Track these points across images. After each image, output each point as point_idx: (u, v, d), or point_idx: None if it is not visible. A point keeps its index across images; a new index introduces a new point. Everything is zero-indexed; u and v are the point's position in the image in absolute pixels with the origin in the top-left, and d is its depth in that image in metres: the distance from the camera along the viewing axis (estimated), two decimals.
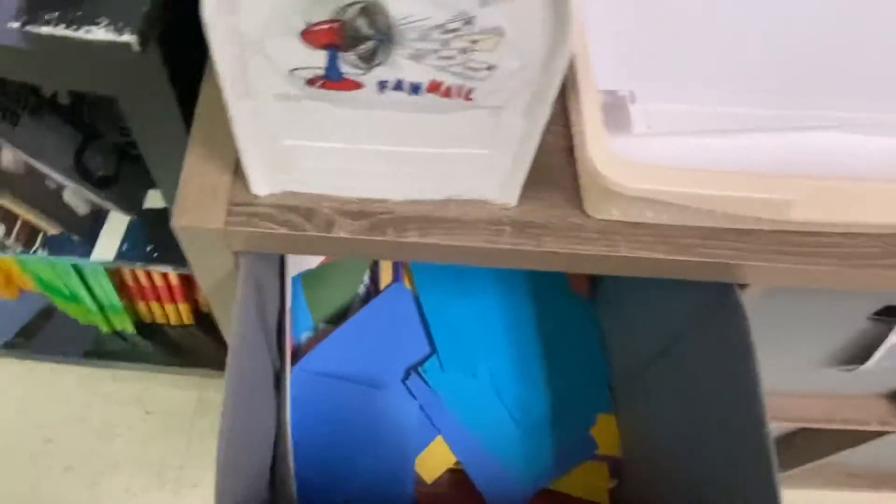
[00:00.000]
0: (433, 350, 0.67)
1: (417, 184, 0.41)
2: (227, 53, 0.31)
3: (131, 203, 0.77)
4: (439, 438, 0.64)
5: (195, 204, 0.41)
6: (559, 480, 0.65)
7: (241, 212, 0.41)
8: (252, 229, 0.41)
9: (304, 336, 0.68)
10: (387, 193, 0.42)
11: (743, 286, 0.48)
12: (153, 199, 0.78)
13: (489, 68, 0.33)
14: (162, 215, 0.77)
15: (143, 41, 0.38)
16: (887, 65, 0.46)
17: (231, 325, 0.42)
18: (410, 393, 0.64)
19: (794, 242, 0.44)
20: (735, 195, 0.36)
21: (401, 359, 0.66)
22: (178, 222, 0.40)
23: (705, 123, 0.45)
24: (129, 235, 0.77)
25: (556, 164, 0.45)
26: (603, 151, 0.36)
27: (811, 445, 0.93)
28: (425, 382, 0.64)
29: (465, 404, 0.66)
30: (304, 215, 0.41)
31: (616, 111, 0.45)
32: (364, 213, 0.42)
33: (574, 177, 0.44)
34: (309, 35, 0.30)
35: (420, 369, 0.65)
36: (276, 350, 0.57)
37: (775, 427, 0.94)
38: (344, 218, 0.42)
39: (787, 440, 0.98)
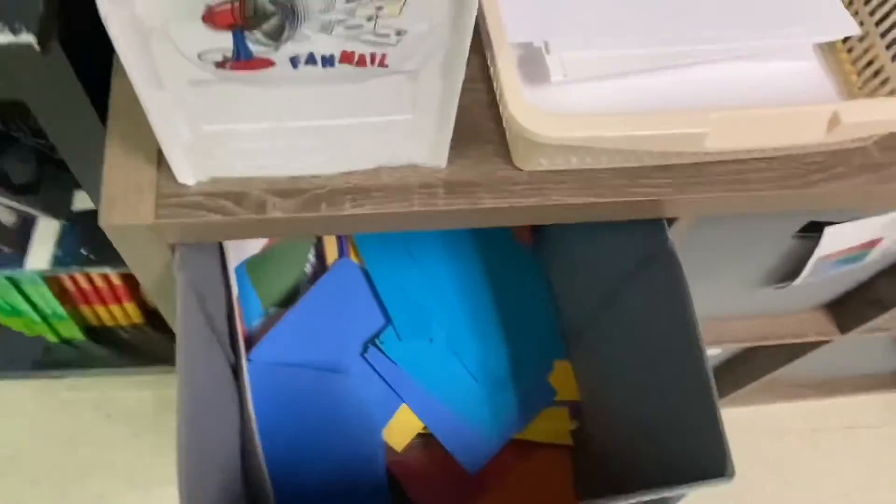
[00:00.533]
0: (388, 321, 0.67)
1: (345, 155, 0.41)
2: (130, 44, 0.30)
3: (58, 207, 0.75)
4: (404, 407, 0.65)
5: (121, 200, 0.40)
6: (524, 430, 0.67)
7: (169, 203, 0.40)
8: (183, 220, 0.40)
9: (256, 323, 0.68)
10: (317, 168, 0.42)
11: (671, 221, 0.50)
12: (81, 200, 0.76)
13: (399, 33, 0.33)
14: (93, 216, 0.74)
15: (44, 40, 0.37)
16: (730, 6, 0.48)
17: (175, 321, 0.41)
18: (371, 366, 0.65)
19: (714, 172, 0.45)
20: (651, 133, 0.37)
21: (357, 334, 0.67)
22: (106, 221, 0.39)
23: (616, 67, 0.46)
24: (61, 241, 0.75)
25: (481, 120, 0.45)
26: (523, 105, 0.37)
27: (756, 363, 0.97)
28: (384, 354, 0.65)
29: (426, 369, 0.67)
30: (234, 200, 0.41)
31: (533, 62, 0.45)
32: (296, 190, 0.42)
33: (500, 132, 0.45)
34: (210, 17, 0.30)
35: (377, 341, 0.66)
36: (228, 342, 0.57)
37: (720, 350, 0.98)
38: (276, 197, 0.42)
39: (734, 362, 1.03)
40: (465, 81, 0.36)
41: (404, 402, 0.66)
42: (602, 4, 0.46)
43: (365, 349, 0.66)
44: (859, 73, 0.49)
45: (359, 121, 0.38)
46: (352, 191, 0.42)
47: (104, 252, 0.75)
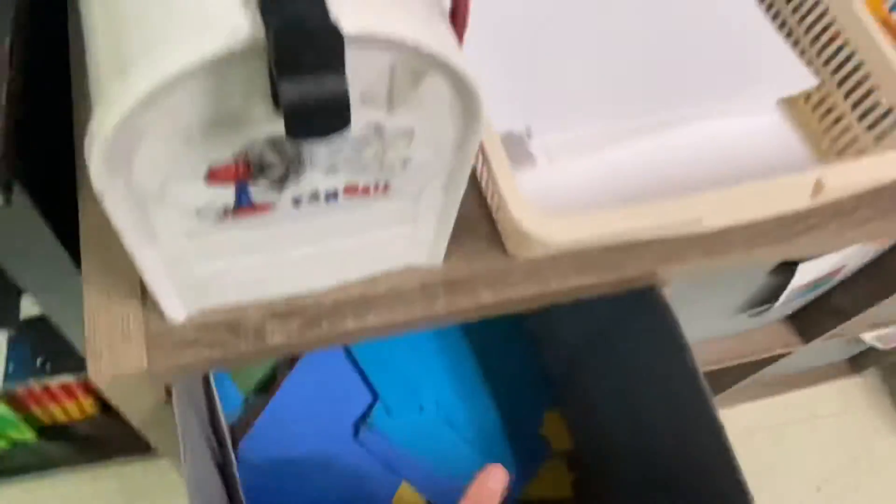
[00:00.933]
0: (375, 397, 0.66)
1: (344, 269, 0.40)
2: (125, 212, 0.28)
3: (4, 318, 0.70)
4: (405, 484, 0.63)
5: (109, 351, 0.37)
6: (525, 488, 0.67)
7: (161, 344, 0.38)
8: (178, 362, 0.38)
9: (236, 412, 0.65)
10: (315, 285, 0.40)
11: None
12: (29, 308, 0.71)
13: (404, 162, 0.32)
14: (44, 321, 0.70)
15: (6, 192, 0.34)
16: (714, 59, 0.49)
17: (182, 459, 0.39)
18: (365, 448, 0.63)
19: (704, 238, 0.46)
20: (650, 224, 0.38)
21: (344, 415, 0.65)
22: (95, 375, 0.36)
23: (596, 142, 0.46)
24: (12, 354, 0.69)
25: (472, 209, 0.45)
26: (524, 211, 0.37)
27: (724, 380, 1.00)
28: (376, 433, 0.63)
29: (420, 441, 0.65)
30: (231, 330, 0.39)
31: (516, 148, 0.45)
32: (295, 310, 0.40)
33: (490, 219, 0.44)
34: (214, 176, 0.28)
35: (368, 421, 0.64)
36: (214, 439, 0.54)
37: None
38: (274, 321, 0.40)
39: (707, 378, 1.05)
40: None
41: (404, 479, 0.64)
42: (574, 82, 0.46)
43: (356, 431, 0.64)
44: (820, 120, 0.51)
45: (359, 239, 0.37)
46: (352, 303, 0.41)
47: (61, 359, 0.70)
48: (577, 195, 0.44)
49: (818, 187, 0.40)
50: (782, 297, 0.61)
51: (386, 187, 0.33)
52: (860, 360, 1.22)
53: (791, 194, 0.40)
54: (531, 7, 0.49)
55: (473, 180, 0.45)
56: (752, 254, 0.47)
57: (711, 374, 1.03)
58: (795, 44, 0.52)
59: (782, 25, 0.53)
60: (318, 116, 0.22)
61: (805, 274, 0.57)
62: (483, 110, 0.29)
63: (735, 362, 0.86)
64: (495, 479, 0.37)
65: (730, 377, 0.98)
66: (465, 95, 0.29)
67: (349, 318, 0.40)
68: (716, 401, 1.19)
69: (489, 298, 0.42)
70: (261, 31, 0.21)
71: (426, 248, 0.40)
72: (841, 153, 0.49)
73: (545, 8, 0.49)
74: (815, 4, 0.50)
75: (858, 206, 0.50)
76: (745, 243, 0.46)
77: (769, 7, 0.54)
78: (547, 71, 0.46)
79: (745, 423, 1.24)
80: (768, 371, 0.98)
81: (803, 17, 0.51)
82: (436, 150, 0.31)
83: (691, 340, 0.76)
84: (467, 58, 0.29)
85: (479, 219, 0.45)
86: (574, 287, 0.44)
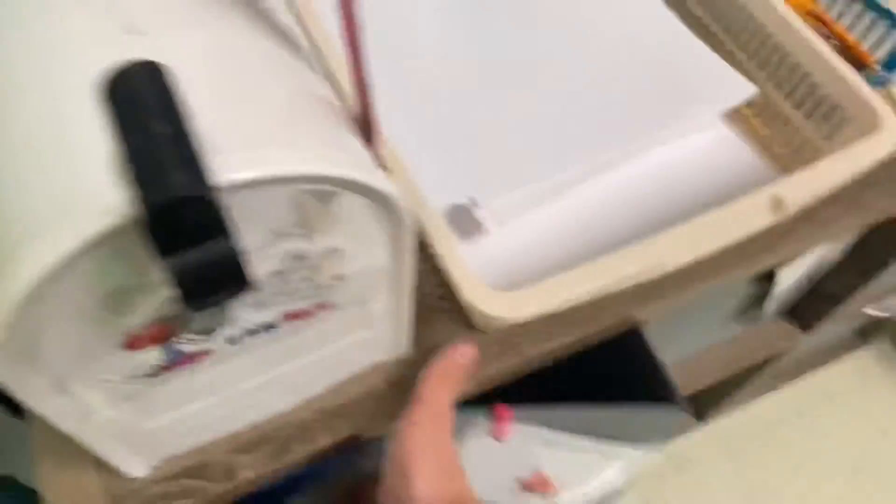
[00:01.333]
0: None
1: (306, 385, 0.38)
2: (43, 396, 0.26)
3: None
4: None
5: None
6: None
7: None
8: None
9: None
10: (278, 408, 0.38)
11: None
12: None
13: (339, 279, 0.30)
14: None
15: None
16: (647, 86, 0.48)
17: None
18: None
19: (678, 274, 0.44)
20: (613, 280, 0.36)
21: None
22: None
23: (545, 195, 0.44)
24: None
25: (433, 290, 0.43)
26: (476, 291, 0.35)
27: (738, 382, 0.98)
28: None
29: None
30: (198, 474, 0.37)
31: (464, 219, 0.43)
32: (260, 439, 0.38)
33: (451, 296, 0.42)
34: (133, 344, 0.26)
35: None
36: None
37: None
38: (241, 455, 0.37)
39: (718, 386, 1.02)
40: None
41: None
42: (511, 142, 0.45)
43: None
44: (768, 126, 0.49)
45: (314, 356, 0.35)
46: (321, 418, 0.38)
47: None
48: (536, 253, 0.42)
49: (777, 203, 0.39)
50: (771, 303, 0.60)
51: (327, 305, 0.31)
52: (869, 331, 1.20)
53: (751, 215, 0.39)
54: (453, 76, 0.48)
55: (430, 259, 0.43)
56: (728, 276, 0.45)
57: (721, 383, 1.01)
58: (728, 55, 0.51)
59: (710, 38, 0.52)
60: (212, 283, 0.20)
61: (786, 278, 0.55)
62: (405, 215, 0.27)
63: (740, 367, 0.83)
64: (462, 353, 0.36)
65: (741, 379, 0.96)
66: (382, 204, 0.27)
67: (320, 436, 0.38)
68: (730, 400, 1.15)
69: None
70: (136, 208, 0.19)
71: (388, 344, 0.38)
72: (796, 153, 0.48)
73: (468, 72, 0.48)
74: (739, 11, 0.49)
75: (819, 206, 0.48)
76: (719, 267, 0.45)
77: (694, 23, 0.53)
78: (482, 136, 0.45)
79: (769, 415, 1.21)
80: (779, 363, 0.96)
81: (729, 27, 0.50)
82: (369, 261, 0.30)
83: (686, 356, 0.74)
84: (381, 158, 0.28)
85: (443, 297, 0.43)
86: (552, 348, 0.42)
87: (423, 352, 0.40)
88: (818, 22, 0.53)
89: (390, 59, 0.47)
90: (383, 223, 0.28)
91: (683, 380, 0.82)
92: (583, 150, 0.45)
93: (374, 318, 0.34)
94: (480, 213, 0.42)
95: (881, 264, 0.72)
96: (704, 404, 1.11)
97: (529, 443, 0.50)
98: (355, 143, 0.27)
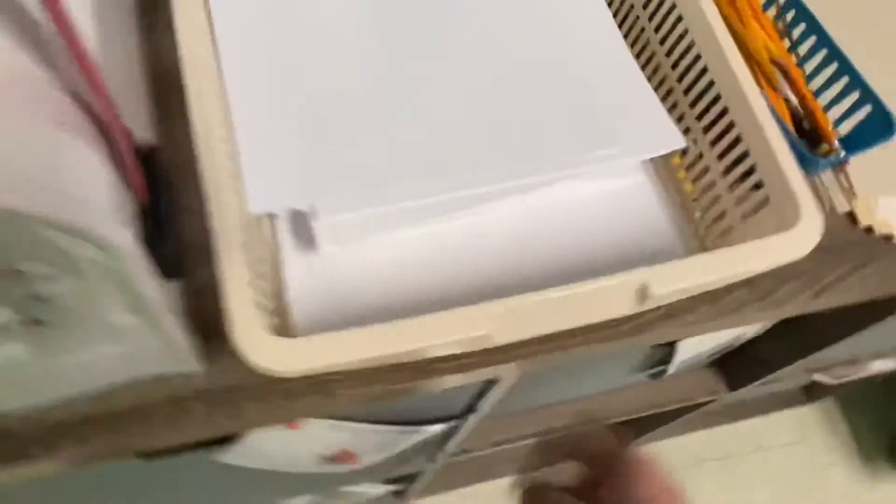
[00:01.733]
0: None
1: (61, 386, 0.33)
2: None
3: None
4: None
5: None
6: None
7: None
8: None
9: None
10: (28, 401, 0.33)
11: None
12: None
13: (42, 300, 0.24)
14: None
15: None
16: (570, 113, 0.41)
17: None
18: None
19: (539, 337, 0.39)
20: (418, 347, 0.30)
21: None
22: None
23: (404, 219, 0.38)
24: None
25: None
26: (254, 340, 0.29)
27: (657, 420, 0.93)
28: None
29: None
30: None
31: (300, 227, 0.38)
32: None
33: None
34: None
35: None
36: None
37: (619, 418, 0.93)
38: None
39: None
40: None
41: None
42: (385, 153, 0.38)
43: None
44: (693, 182, 0.43)
45: (54, 362, 0.30)
46: (75, 423, 0.34)
47: None
48: (365, 287, 0.37)
49: (643, 294, 0.33)
50: (671, 369, 0.54)
51: (37, 322, 0.26)
52: (813, 391, 1.15)
53: (609, 302, 0.33)
54: (357, 68, 0.41)
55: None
56: (595, 348, 0.40)
57: (638, 419, 0.96)
58: (668, 93, 0.44)
59: (655, 72, 0.45)
60: None
61: (686, 350, 0.50)
62: (111, 246, 0.22)
63: (655, 411, 0.78)
64: None
65: (659, 420, 0.91)
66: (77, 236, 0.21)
67: (68, 443, 0.33)
68: (654, 434, 1.10)
69: (255, 414, 0.35)
70: None
71: (157, 359, 0.33)
72: (712, 225, 0.42)
73: (375, 62, 0.41)
74: (688, 50, 0.42)
75: (732, 288, 0.42)
76: (585, 338, 0.39)
77: (642, 50, 0.46)
78: (361, 139, 0.38)
79: (694, 451, 1.17)
80: (709, 407, 0.91)
81: (676, 64, 0.43)
82: (70, 285, 0.24)
83: (601, 390, 0.68)
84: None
85: None
86: (370, 394, 0.37)
87: (216, 380, 0.35)
88: (783, 73, 0.45)
89: (294, 48, 0.40)
90: (79, 251, 0.22)
91: (602, 410, 0.77)
92: (469, 173, 0.39)
93: (120, 334, 0.29)
94: (317, 226, 0.36)
95: (822, 344, 0.66)
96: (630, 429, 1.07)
97: (327, 429, 0.46)
98: (58, 152, 0.21)
